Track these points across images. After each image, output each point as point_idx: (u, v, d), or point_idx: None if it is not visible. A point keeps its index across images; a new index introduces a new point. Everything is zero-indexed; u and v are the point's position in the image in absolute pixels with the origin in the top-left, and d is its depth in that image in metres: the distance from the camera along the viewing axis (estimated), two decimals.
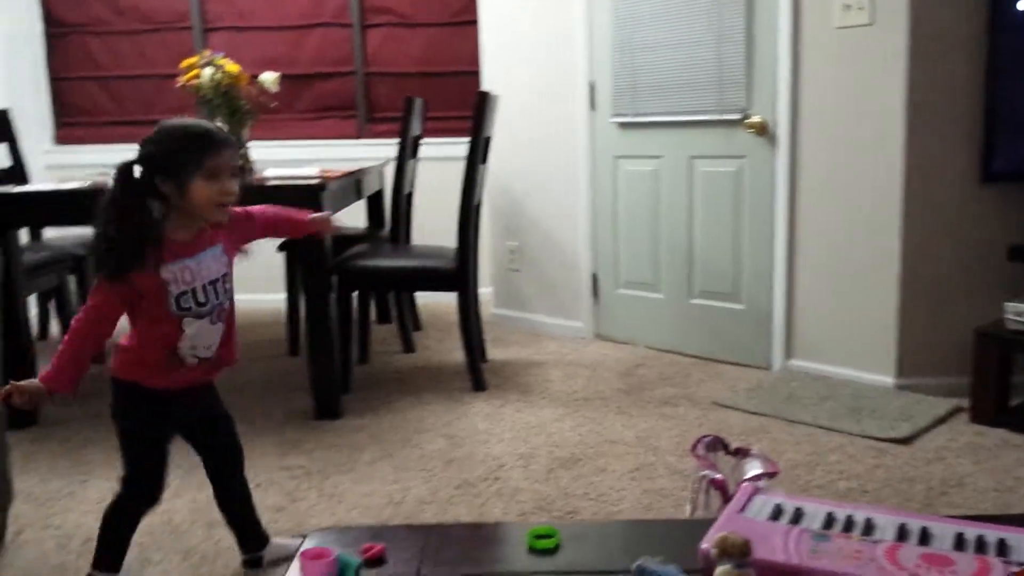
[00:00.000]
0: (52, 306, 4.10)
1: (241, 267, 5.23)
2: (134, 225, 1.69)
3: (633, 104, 3.74)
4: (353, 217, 4.12)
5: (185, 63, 3.28)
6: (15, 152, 4.07)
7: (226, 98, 3.22)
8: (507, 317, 4.35)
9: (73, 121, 4.86)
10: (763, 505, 1.29)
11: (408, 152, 3.81)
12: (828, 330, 3.35)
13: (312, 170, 3.34)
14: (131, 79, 4.78)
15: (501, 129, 3.82)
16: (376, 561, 1.22)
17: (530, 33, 4.03)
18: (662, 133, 3.70)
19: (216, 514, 2.30)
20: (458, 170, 3.34)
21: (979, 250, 3.11)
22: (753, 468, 1.74)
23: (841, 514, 1.26)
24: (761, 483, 1.48)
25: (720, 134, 3.53)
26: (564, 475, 2.55)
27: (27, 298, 3.16)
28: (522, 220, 4.23)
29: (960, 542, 1.18)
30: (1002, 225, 3.08)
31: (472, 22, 4.47)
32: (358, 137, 4.80)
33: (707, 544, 1.13)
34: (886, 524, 1.23)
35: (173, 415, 1.90)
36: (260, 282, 4.67)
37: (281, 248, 3.83)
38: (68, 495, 2.46)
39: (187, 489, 2.46)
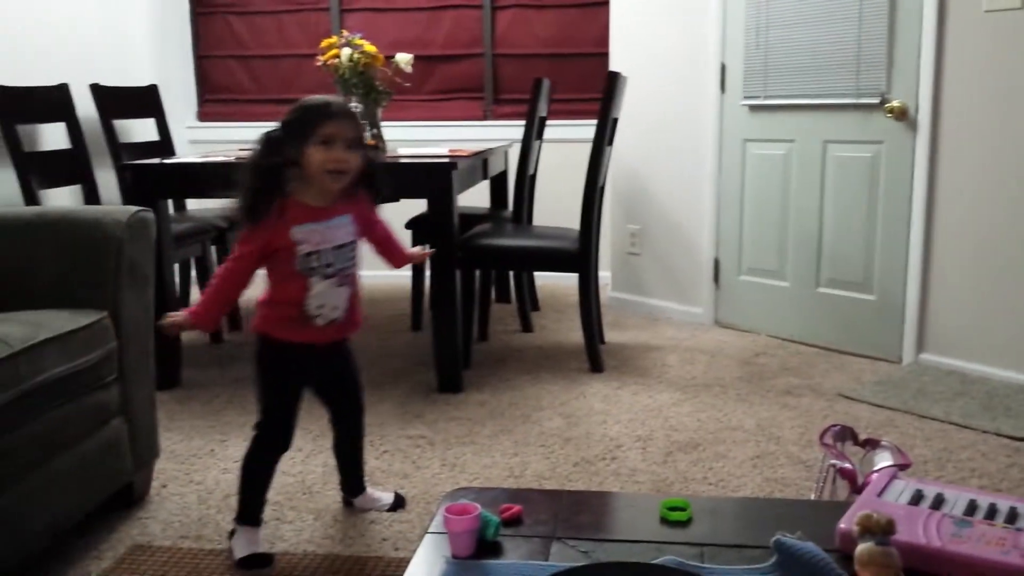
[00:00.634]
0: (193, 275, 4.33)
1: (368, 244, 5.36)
2: (266, 182, 1.88)
3: (765, 86, 3.67)
4: (478, 197, 4.20)
5: (325, 43, 3.40)
6: (162, 126, 4.31)
7: (362, 78, 3.32)
8: (625, 301, 4.36)
9: (215, 98, 5.09)
10: (903, 490, 1.28)
11: (533, 133, 3.85)
12: (964, 324, 3.22)
13: (442, 150, 3.42)
14: (271, 59, 4.98)
15: (627, 111, 3.81)
16: (514, 521, 1.27)
17: (661, 14, 4.00)
18: (794, 116, 3.62)
19: None
20: (582, 152, 3.36)
21: None
22: (883, 460, 1.70)
23: (984, 501, 1.24)
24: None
25: (856, 118, 3.43)
26: (682, 459, 2.55)
27: (174, 266, 3.35)
28: (644, 203, 4.21)
29: None
30: None
31: (602, 3, 4.46)
32: (484, 119, 4.87)
33: (847, 523, 1.13)
34: None
35: (306, 370, 2.05)
36: None
37: (408, 225, 3.94)
38: (209, 453, 2.60)
39: (319, 452, 2.58)
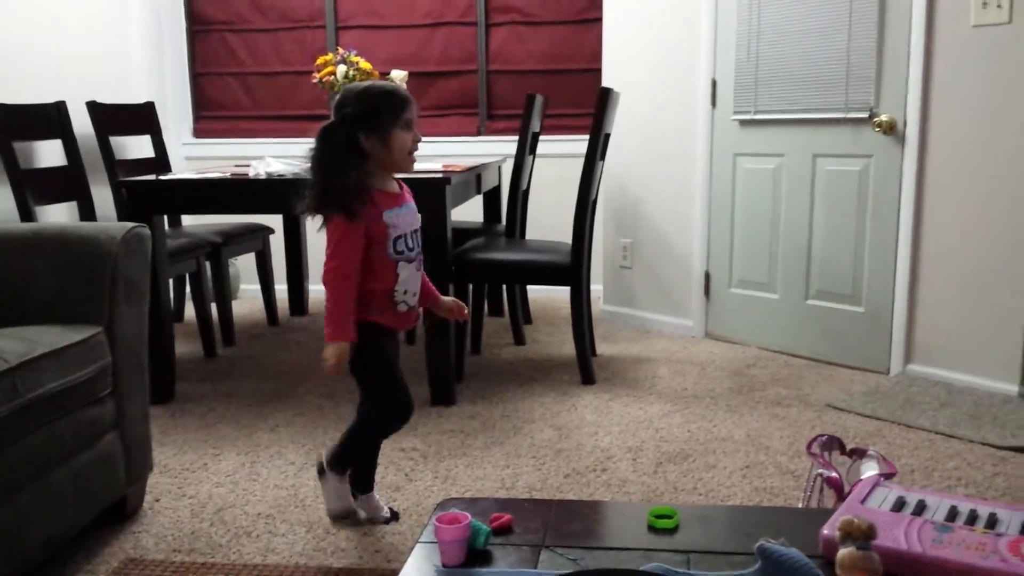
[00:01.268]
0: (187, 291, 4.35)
1: None
2: (347, 175, 1.90)
3: (755, 101, 3.71)
4: (471, 211, 4.23)
5: (321, 60, 3.44)
6: (158, 143, 4.33)
7: None
8: (616, 314, 4.38)
9: (211, 115, 5.13)
10: (885, 496, 1.30)
11: (527, 148, 3.89)
12: (951, 335, 3.26)
13: (436, 165, 3.45)
14: (267, 75, 5.01)
15: (620, 126, 3.86)
16: (504, 530, 1.29)
17: (653, 30, 4.04)
18: (784, 131, 3.66)
19: None
20: (575, 167, 3.39)
21: None
22: (870, 468, 1.73)
23: (965, 507, 1.26)
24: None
25: (845, 132, 3.48)
26: (672, 469, 2.57)
27: (169, 281, 3.37)
28: (636, 217, 4.25)
29: None
30: None
31: (596, 20, 4.51)
32: (478, 134, 4.91)
33: (829, 529, 1.15)
34: (1010, 519, 1.23)
35: (394, 350, 2.14)
36: None
37: None
38: (202, 467, 2.61)
39: (311, 465, 2.59)
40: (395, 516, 2.26)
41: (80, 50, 4.14)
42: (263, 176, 3.09)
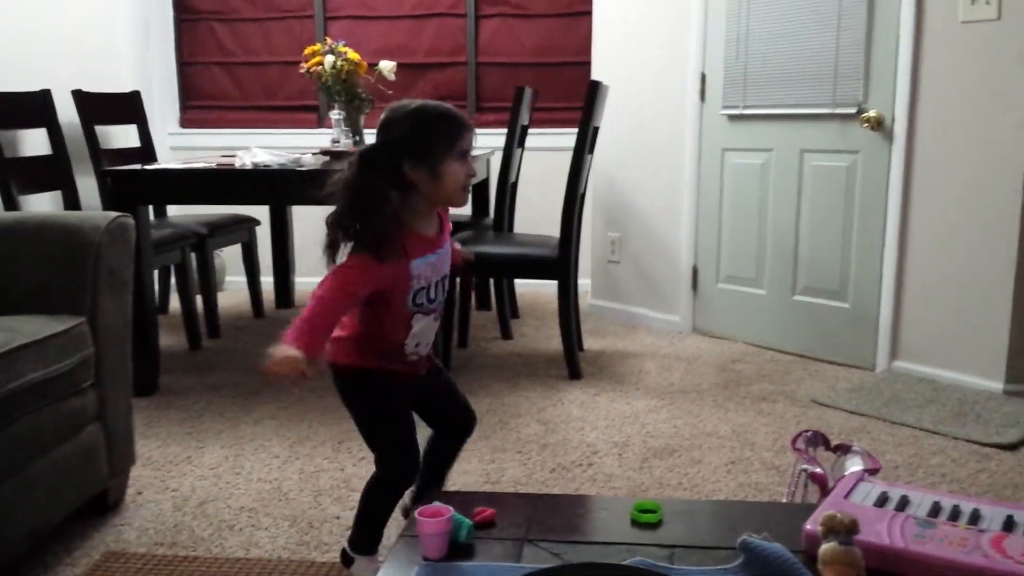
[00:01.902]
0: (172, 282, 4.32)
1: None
2: (383, 212, 1.64)
3: (744, 96, 3.71)
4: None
5: (308, 50, 3.42)
6: (144, 133, 4.30)
7: (345, 85, 3.35)
8: (604, 308, 4.38)
9: (198, 105, 5.09)
10: (869, 492, 1.30)
11: (515, 141, 3.88)
12: (936, 332, 3.27)
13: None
14: (255, 66, 4.98)
15: (608, 120, 3.84)
16: (487, 524, 1.28)
17: (644, 24, 4.04)
18: (773, 126, 3.66)
19: (323, 483, 2.43)
20: (564, 160, 3.38)
21: None
22: (854, 464, 1.73)
23: (948, 503, 1.26)
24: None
25: (833, 128, 3.48)
26: (658, 465, 2.57)
27: (153, 272, 3.35)
28: (624, 211, 4.25)
29: None
30: None
31: (586, 13, 4.50)
32: None
33: (812, 524, 1.15)
34: (993, 515, 1.23)
35: (404, 391, 1.86)
36: None
37: None
38: (185, 460, 2.60)
39: (296, 459, 2.59)
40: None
41: (66, 38, 4.11)
42: (249, 166, 3.07)
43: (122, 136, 4.31)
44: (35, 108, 3.71)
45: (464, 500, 1.34)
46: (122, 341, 2.23)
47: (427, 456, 1.99)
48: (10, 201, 3.40)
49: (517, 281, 4.30)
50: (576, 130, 3.29)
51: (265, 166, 3.06)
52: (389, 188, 1.64)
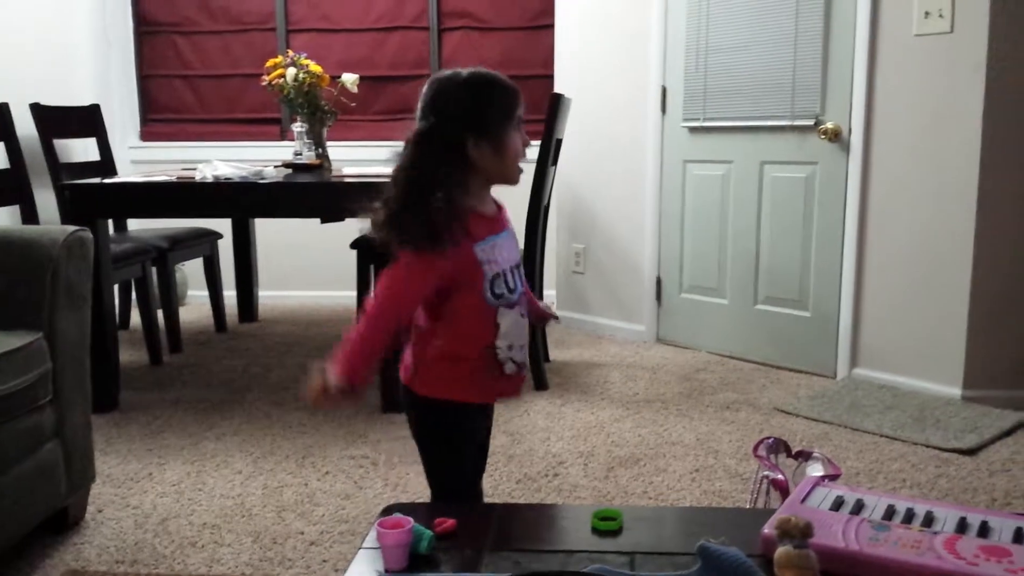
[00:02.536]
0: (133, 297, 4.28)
1: (313, 263, 5.37)
2: (443, 192, 1.46)
3: (704, 109, 3.76)
4: None
5: (270, 63, 3.41)
6: (104, 146, 4.26)
7: (308, 98, 3.34)
8: (569, 319, 4.40)
9: (159, 118, 5.05)
10: (825, 496, 1.32)
11: None
12: (895, 340, 3.32)
13: (388, 169, 3.43)
14: (216, 78, 4.95)
15: (572, 132, 3.87)
16: (448, 534, 1.28)
17: (605, 37, 4.07)
18: (733, 138, 3.71)
19: (287, 498, 2.41)
20: (528, 173, 3.39)
21: None
22: (815, 470, 1.76)
23: (902, 506, 1.28)
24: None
25: (792, 140, 3.53)
26: (623, 474, 2.58)
27: (113, 287, 3.31)
28: (588, 223, 4.27)
29: (1019, 536, 1.19)
30: None
31: (548, 26, 4.53)
32: None
33: (769, 528, 1.17)
34: (946, 517, 1.25)
35: (480, 431, 1.65)
36: (333, 278, 4.81)
37: (354, 245, 3.93)
38: (146, 477, 2.57)
39: (258, 474, 2.57)
40: None
41: (23, 51, 4.06)
42: (210, 180, 3.05)
43: (81, 150, 4.26)
44: None
45: (425, 511, 1.34)
46: (81, 357, 2.20)
47: None
48: None
49: None
50: (539, 142, 3.31)
51: (226, 179, 3.05)
52: (453, 170, 1.47)
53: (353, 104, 3.67)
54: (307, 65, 3.36)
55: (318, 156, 3.44)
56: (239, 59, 4.91)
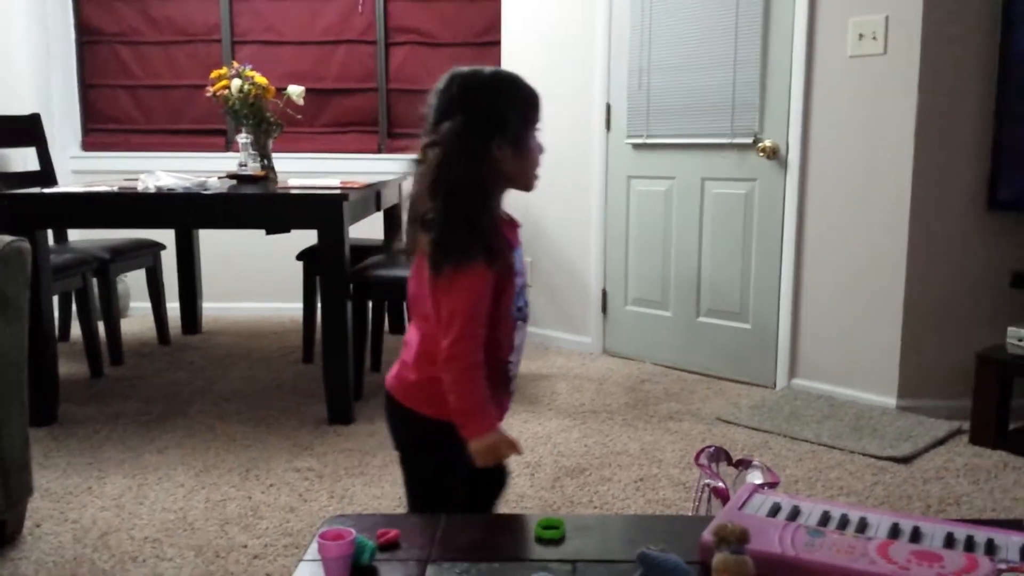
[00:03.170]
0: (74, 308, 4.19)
1: (258, 275, 5.31)
2: (488, 201, 1.41)
3: (647, 126, 3.82)
4: (372, 229, 4.21)
5: (215, 74, 3.39)
6: (44, 156, 4.17)
7: (253, 109, 3.32)
8: None
9: (101, 128, 4.97)
10: (762, 503, 1.35)
11: None
12: (832, 351, 3.40)
13: (334, 181, 3.43)
14: (160, 89, 4.89)
15: None
16: (390, 546, 1.28)
17: (551, 55, 4.12)
18: (675, 154, 3.78)
19: (230, 511, 2.38)
20: None
21: (982, 276, 3.17)
22: (755, 478, 1.79)
23: (837, 512, 1.32)
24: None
25: (732, 157, 3.61)
26: (569, 484, 2.61)
27: (52, 298, 3.24)
28: (536, 236, 4.30)
29: (950, 541, 1.24)
30: (1005, 252, 3.15)
31: (495, 43, 4.57)
32: (378, 152, 4.90)
33: (707, 534, 1.20)
34: (879, 523, 1.29)
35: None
36: (278, 290, 4.77)
37: (300, 256, 3.92)
38: (86, 491, 2.52)
39: (201, 487, 2.53)
40: None
41: None
42: (152, 190, 3.01)
43: (20, 160, 4.17)
44: None
45: (368, 523, 1.34)
46: (18, 369, 2.16)
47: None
48: None
49: None
50: None
51: (169, 189, 3.01)
52: (484, 173, 1.40)
53: (299, 116, 3.65)
54: (252, 76, 3.34)
55: (263, 167, 3.42)
56: (184, 70, 4.86)
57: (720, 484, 1.81)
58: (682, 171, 3.78)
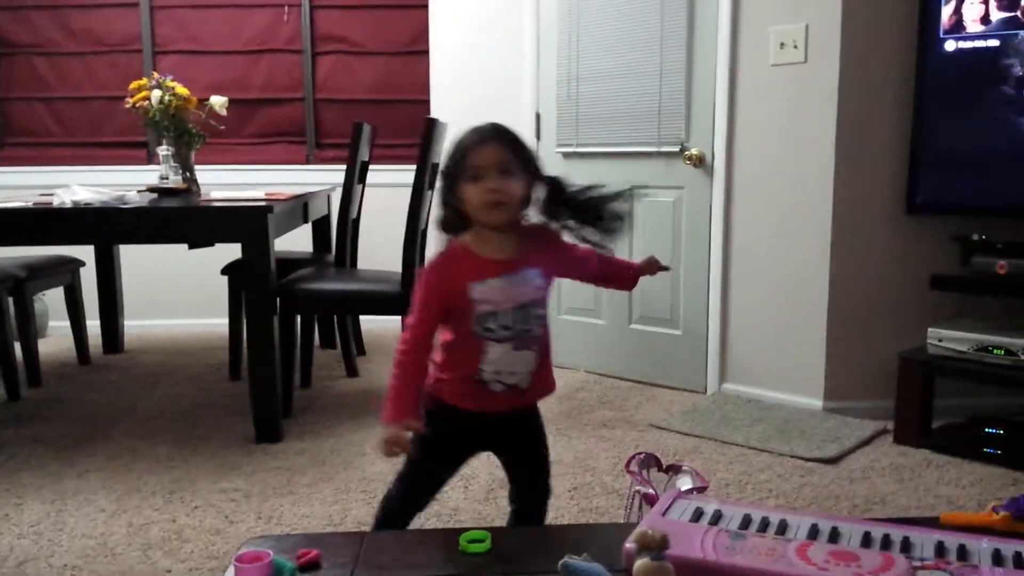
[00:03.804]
0: None
1: (181, 290, 5.18)
2: (445, 230, 1.75)
3: (576, 135, 3.84)
4: (299, 241, 4.15)
5: (134, 85, 3.31)
6: None
7: (174, 120, 3.25)
8: None
9: (17, 141, 4.81)
10: (685, 508, 1.35)
11: (355, 177, 3.86)
12: (760, 355, 3.45)
13: (259, 193, 3.36)
14: (79, 100, 4.76)
15: None
16: (311, 566, 1.25)
17: (479, 63, 4.12)
18: (605, 163, 3.80)
19: (153, 535, 2.31)
20: (406, 196, 3.39)
21: (903, 279, 3.25)
22: (684, 483, 1.80)
23: (757, 515, 1.33)
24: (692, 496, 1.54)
25: (659, 165, 3.65)
26: (503, 495, 2.57)
27: None
28: None
29: (867, 540, 1.26)
30: (924, 255, 3.23)
31: (423, 52, 4.55)
32: (306, 163, 4.83)
33: (630, 542, 1.19)
34: (799, 524, 1.30)
35: (479, 439, 1.84)
36: (203, 305, 4.67)
37: (224, 271, 3.83)
38: (2, 518, 2.42)
39: (123, 512, 2.45)
40: None
41: None
42: (68, 205, 2.91)
43: None
44: None
45: (289, 543, 1.30)
46: None
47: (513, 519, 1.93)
48: None
49: (364, 317, 4.25)
50: (414, 167, 3.31)
51: (86, 204, 2.92)
52: (455, 211, 1.70)
53: (223, 127, 3.59)
54: (173, 87, 3.27)
55: (185, 180, 3.35)
56: (103, 81, 4.74)
57: (650, 490, 1.81)
58: (612, 179, 3.68)
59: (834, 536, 1.27)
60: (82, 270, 4.15)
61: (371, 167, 4.19)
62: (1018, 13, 2.88)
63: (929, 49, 3.09)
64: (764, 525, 1.30)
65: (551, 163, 3.92)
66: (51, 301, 4.51)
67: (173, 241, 3.29)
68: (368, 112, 4.73)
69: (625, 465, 1.93)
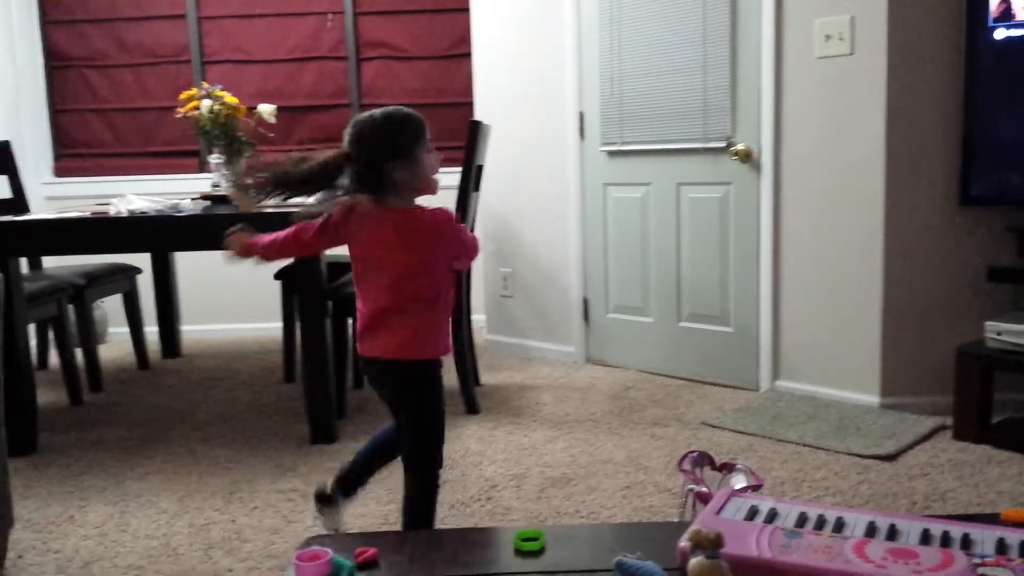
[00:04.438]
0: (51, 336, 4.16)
1: (236, 296, 5.25)
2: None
3: (621, 133, 3.83)
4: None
5: (184, 95, 3.38)
6: (16, 183, 4.14)
7: (224, 129, 3.31)
8: (500, 343, 4.41)
9: (72, 153, 4.94)
10: (739, 506, 1.35)
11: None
12: (813, 351, 3.41)
13: (310, 199, 3.40)
14: (130, 111, 4.87)
15: (494, 158, 3.91)
16: (369, 564, 1.27)
17: (522, 65, 4.13)
18: (649, 160, 3.79)
19: (214, 535, 2.36)
20: (450, 198, 3.41)
21: (959, 271, 3.19)
22: (738, 482, 1.79)
23: (813, 513, 1.32)
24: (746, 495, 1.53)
25: (706, 161, 3.62)
26: (556, 494, 2.59)
27: (27, 327, 3.22)
28: (515, 247, 4.30)
29: (926, 537, 1.24)
30: (980, 247, 3.16)
31: (466, 55, 4.57)
32: None
33: (684, 541, 1.19)
34: (856, 522, 1.29)
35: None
36: (257, 310, 4.75)
37: (277, 276, 3.89)
38: (68, 520, 2.49)
39: (184, 512, 2.51)
40: (337, 497, 2.24)
41: None
42: (125, 214, 2.99)
43: None
44: None
45: (346, 542, 1.33)
46: None
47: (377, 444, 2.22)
48: None
49: None
50: (460, 169, 3.33)
51: (141, 213, 2.99)
52: (371, 188, 1.92)
53: (271, 135, 3.64)
54: (222, 96, 3.33)
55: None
56: (154, 92, 4.84)
57: (704, 489, 1.81)
58: (657, 177, 3.78)
59: (892, 533, 1.25)
60: (139, 277, 4.25)
61: None
62: None
63: (978, 38, 3.02)
64: (820, 523, 1.29)
65: (596, 162, 3.94)
66: (110, 308, 4.62)
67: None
68: None
69: (678, 463, 1.93)
